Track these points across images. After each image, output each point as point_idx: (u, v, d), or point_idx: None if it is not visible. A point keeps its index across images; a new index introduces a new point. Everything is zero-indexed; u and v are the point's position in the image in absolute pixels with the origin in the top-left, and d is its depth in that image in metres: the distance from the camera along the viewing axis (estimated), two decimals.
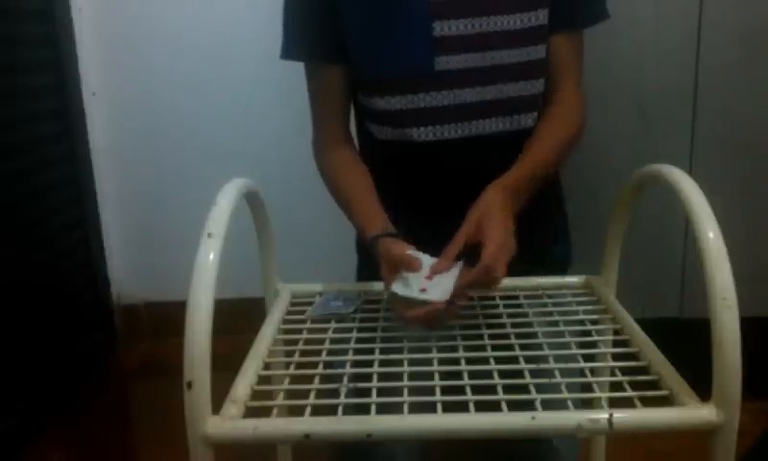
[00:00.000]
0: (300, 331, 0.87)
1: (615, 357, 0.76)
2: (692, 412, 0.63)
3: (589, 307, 0.91)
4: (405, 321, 0.83)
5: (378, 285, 0.97)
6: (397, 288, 0.83)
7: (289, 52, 1.04)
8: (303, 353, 0.81)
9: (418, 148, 1.01)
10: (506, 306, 0.90)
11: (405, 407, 0.66)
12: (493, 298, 0.93)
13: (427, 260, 0.86)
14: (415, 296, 0.82)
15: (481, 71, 0.98)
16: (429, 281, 0.83)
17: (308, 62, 1.06)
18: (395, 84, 0.99)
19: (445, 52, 0.97)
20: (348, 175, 1.03)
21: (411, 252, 0.87)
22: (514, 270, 0.95)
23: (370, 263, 0.93)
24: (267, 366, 0.77)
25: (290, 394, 0.71)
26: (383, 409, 0.66)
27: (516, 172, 0.94)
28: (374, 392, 0.69)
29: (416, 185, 1.05)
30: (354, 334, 0.84)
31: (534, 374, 0.72)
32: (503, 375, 0.72)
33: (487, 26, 0.97)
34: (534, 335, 0.82)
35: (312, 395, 0.69)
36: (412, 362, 0.75)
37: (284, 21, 1.04)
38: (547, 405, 0.65)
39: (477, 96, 0.99)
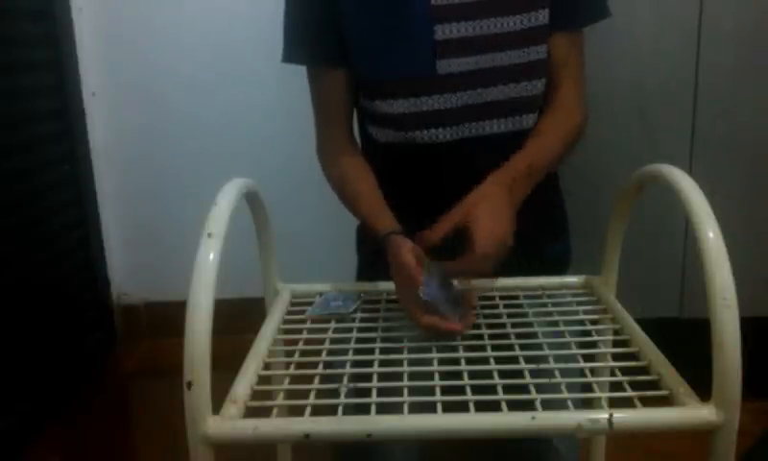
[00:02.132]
0: (300, 331, 0.87)
1: (615, 357, 0.76)
2: (692, 412, 0.63)
3: (589, 307, 0.91)
4: (419, 324, 0.83)
5: (378, 285, 0.97)
6: (427, 295, 0.82)
7: (290, 56, 1.04)
8: (303, 353, 0.81)
9: (419, 150, 1.01)
10: (506, 306, 0.90)
11: (405, 407, 0.66)
12: (493, 298, 0.93)
13: (438, 268, 0.86)
14: (442, 309, 0.82)
15: (482, 73, 0.98)
16: (443, 291, 0.84)
17: (310, 66, 1.05)
18: (396, 88, 0.99)
19: (447, 55, 0.97)
20: (354, 176, 1.03)
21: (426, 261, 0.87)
22: (513, 269, 0.95)
23: (370, 263, 0.93)
24: (267, 366, 0.77)
25: (290, 394, 0.71)
26: (383, 409, 0.66)
27: (513, 166, 0.94)
28: (374, 392, 0.69)
29: (418, 187, 1.05)
30: (354, 334, 0.84)
31: (534, 374, 0.72)
32: (503, 375, 0.72)
33: (488, 28, 0.97)
34: (534, 335, 0.82)
35: (312, 395, 0.69)
36: (412, 362, 0.75)
37: (285, 25, 1.04)
38: (547, 405, 0.65)
39: (479, 98, 0.99)
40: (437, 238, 0.85)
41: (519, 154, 0.96)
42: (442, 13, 0.96)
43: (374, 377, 0.72)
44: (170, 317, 1.64)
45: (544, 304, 0.92)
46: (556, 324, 0.86)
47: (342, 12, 0.99)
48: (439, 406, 0.66)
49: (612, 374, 0.73)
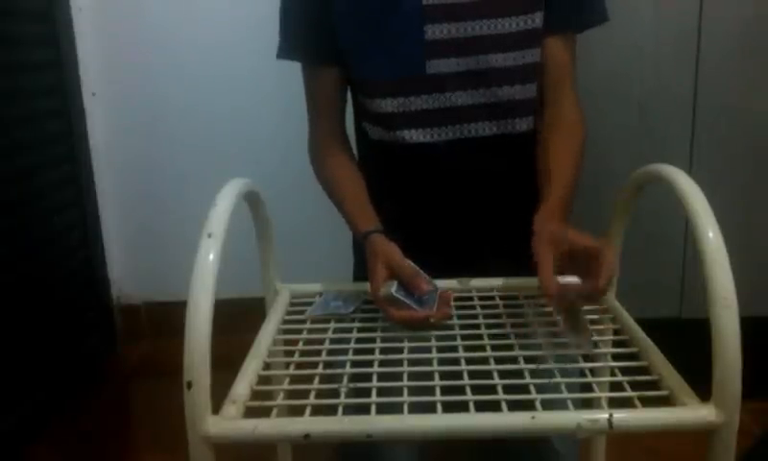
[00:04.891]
0: (300, 331, 0.87)
1: (615, 357, 0.76)
2: (692, 412, 0.63)
3: (589, 307, 0.91)
4: (392, 319, 0.84)
5: None
6: (397, 292, 0.84)
7: (285, 52, 1.05)
8: (303, 353, 0.81)
9: (409, 149, 1.01)
10: (506, 306, 0.90)
11: (405, 407, 0.66)
12: (493, 298, 0.93)
13: (413, 269, 0.87)
14: (413, 304, 0.84)
15: (474, 74, 0.98)
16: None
17: (304, 63, 1.06)
18: (386, 87, 0.99)
19: (437, 55, 0.97)
20: (342, 178, 1.04)
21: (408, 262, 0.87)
22: (512, 269, 0.95)
23: (366, 263, 0.93)
24: (267, 366, 0.77)
25: (290, 394, 0.71)
26: (383, 409, 0.66)
27: (555, 192, 0.91)
28: (374, 392, 0.69)
29: (409, 186, 1.05)
30: (354, 334, 0.84)
31: (534, 374, 0.72)
32: (503, 375, 0.72)
33: (480, 29, 0.97)
34: (534, 335, 0.82)
35: (312, 395, 0.69)
36: (412, 362, 0.75)
37: (281, 22, 1.04)
38: (547, 405, 0.65)
39: (470, 99, 0.99)
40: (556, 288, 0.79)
41: (552, 180, 0.93)
42: (433, 13, 0.96)
43: (374, 377, 0.72)
44: (170, 317, 1.64)
45: (544, 304, 0.92)
46: (556, 324, 0.86)
47: (334, 11, 0.99)
48: (439, 406, 0.66)
49: (612, 374, 0.73)
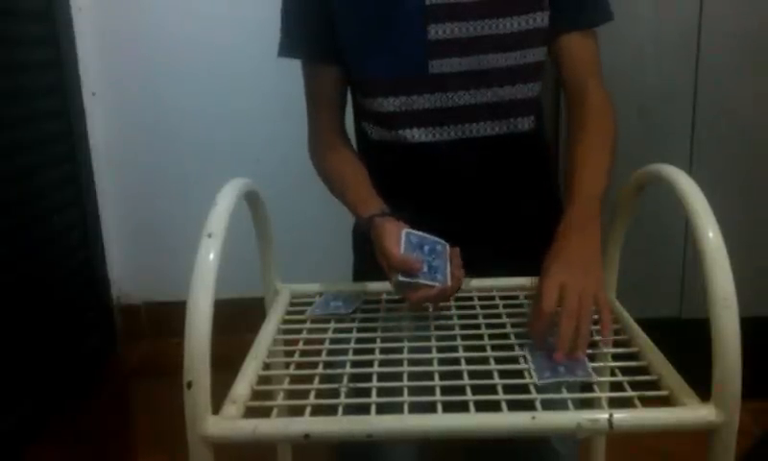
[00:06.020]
0: (299, 331, 0.87)
1: (615, 357, 0.76)
2: (692, 412, 0.63)
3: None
4: (412, 303, 0.85)
5: (377, 285, 0.97)
6: (403, 277, 0.84)
7: (286, 50, 1.04)
8: (303, 353, 0.81)
9: (410, 149, 1.01)
10: (506, 306, 0.90)
11: (405, 407, 0.66)
12: (493, 298, 0.93)
13: (416, 239, 0.88)
14: (420, 281, 0.84)
15: (476, 74, 0.98)
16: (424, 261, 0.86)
17: (305, 61, 1.06)
18: (389, 86, 0.99)
19: (440, 55, 0.97)
20: (342, 165, 1.04)
21: (406, 231, 0.87)
22: (512, 269, 0.95)
23: (366, 260, 0.93)
24: (267, 366, 0.77)
25: (290, 394, 0.71)
26: (383, 409, 0.66)
27: (578, 201, 0.88)
28: (374, 392, 0.69)
29: (410, 185, 1.05)
30: (354, 334, 0.84)
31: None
32: (503, 375, 0.72)
33: (482, 29, 0.97)
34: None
35: (312, 395, 0.69)
36: (412, 362, 0.75)
37: (282, 19, 1.05)
38: (547, 405, 0.65)
39: (472, 99, 0.99)
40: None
41: (575, 190, 0.89)
42: (435, 13, 0.96)
43: (374, 377, 0.72)
44: (170, 317, 1.64)
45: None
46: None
47: (334, 10, 0.99)
48: (439, 406, 0.66)
49: (613, 374, 0.73)
